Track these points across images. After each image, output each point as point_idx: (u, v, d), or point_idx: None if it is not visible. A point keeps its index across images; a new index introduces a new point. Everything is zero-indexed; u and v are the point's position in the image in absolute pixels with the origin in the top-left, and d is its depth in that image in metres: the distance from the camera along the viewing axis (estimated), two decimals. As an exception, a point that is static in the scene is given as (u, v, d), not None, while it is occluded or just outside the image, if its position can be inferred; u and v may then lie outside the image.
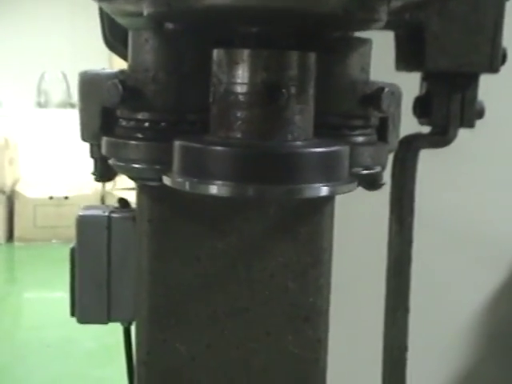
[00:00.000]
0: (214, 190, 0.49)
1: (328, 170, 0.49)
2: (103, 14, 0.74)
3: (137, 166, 0.57)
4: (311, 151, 0.48)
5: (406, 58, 0.74)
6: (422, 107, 0.73)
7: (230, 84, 0.49)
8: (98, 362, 3.07)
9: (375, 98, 0.55)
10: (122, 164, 0.58)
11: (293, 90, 0.49)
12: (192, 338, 0.68)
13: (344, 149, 0.51)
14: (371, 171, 0.58)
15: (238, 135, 0.50)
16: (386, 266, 0.76)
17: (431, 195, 1.48)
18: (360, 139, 0.58)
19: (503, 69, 0.73)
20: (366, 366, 0.96)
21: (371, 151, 0.57)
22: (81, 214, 0.74)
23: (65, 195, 5.17)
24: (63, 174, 5.37)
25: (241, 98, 0.49)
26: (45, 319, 3.64)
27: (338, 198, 0.70)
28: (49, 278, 4.18)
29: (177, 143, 0.51)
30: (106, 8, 0.60)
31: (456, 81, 0.71)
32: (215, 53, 0.51)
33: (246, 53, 0.49)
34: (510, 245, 1.61)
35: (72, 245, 0.74)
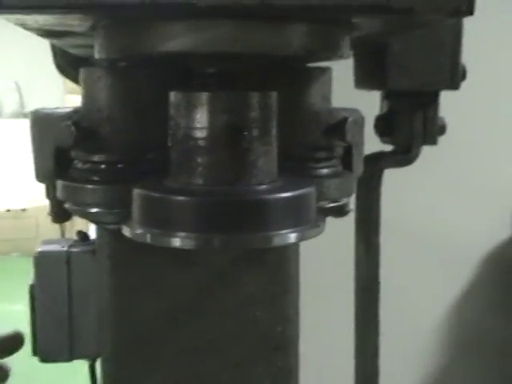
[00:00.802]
0: (176, 242, 0.47)
1: (296, 214, 0.47)
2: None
3: (94, 210, 0.54)
4: (278, 197, 0.46)
5: (367, 77, 0.73)
6: (383, 126, 0.73)
7: (190, 128, 0.47)
8: (65, 378, 3.02)
9: (339, 128, 0.54)
10: (78, 208, 0.55)
11: (255, 131, 0.47)
12: (160, 374, 0.66)
13: (311, 190, 0.49)
14: (338, 203, 0.56)
15: (200, 181, 0.47)
16: (354, 287, 0.75)
17: (394, 199, 1.48)
18: (325, 171, 0.56)
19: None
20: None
21: (337, 183, 0.56)
22: (39, 250, 0.71)
23: (23, 207, 5.09)
24: (20, 185, 5.28)
25: (201, 142, 0.47)
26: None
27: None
28: (9, 291, 4.11)
29: (135, 191, 0.49)
30: (58, 43, 0.58)
31: (417, 99, 0.71)
32: (172, 95, 0.49)
33: (204, 96, 0.47)
34: (473, 248, 1.62)
35: (30, 281, 0.72)
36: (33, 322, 0.72)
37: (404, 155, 0.72)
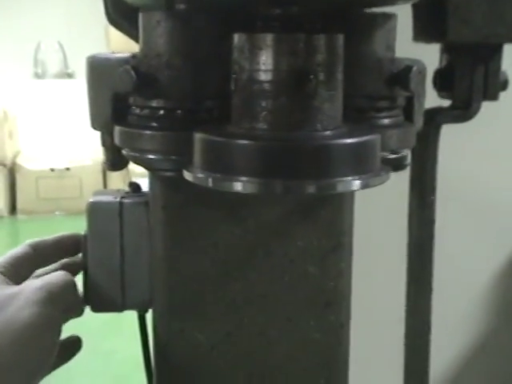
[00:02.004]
0: (238, 186, 0.46)
1: (360, 161, 0.46)
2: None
3: (152, 156, 0.54)
4: (343, 142, 0.45)
5: (426, 29, 0.70)
6: (442, 80, 0.71)
7: (254, 71, 0.46)
8: (107, 334, 3.08)
9: (403, 77, 0.52)
10: (136, 154, 0.55)
11: (321, 75, 0.46)
12: (211, 327, 0.66)
13: (376, 137, 0.48)
14: (399, 155, 0.55)
15: (264, 126, 0.46)
16: (406, 247, 0.74)
17: (447, 164, 1.45)
18: (387, 121, 0.54)
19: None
20: (388, 350, 0.94)
21: (399, 133, 0.54)
22: (92, 200, 0.71)
23: (66, 166, 5.15)
24: (64, 145, 5.35)
25: (265, 86, 0.46)
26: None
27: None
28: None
29: (197, 136, 0.48)
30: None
31: (479, 52, 0.68)
32: (236, 37, 0.48)
33: (269, 37, 0.46)
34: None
35: (83, 232, 0.72)
36: (85, 271, 0.72)
37: (463, 110, 0.70)
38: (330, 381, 0.69)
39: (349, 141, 0.46)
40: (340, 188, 0.46)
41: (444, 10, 0.66)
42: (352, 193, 0.65)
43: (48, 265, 0.74)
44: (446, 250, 1.53)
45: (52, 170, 5.18)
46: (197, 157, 0.48)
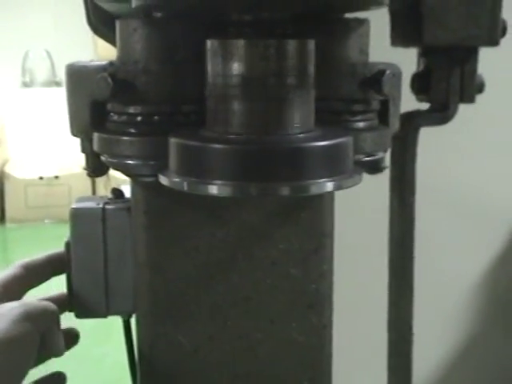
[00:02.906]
0: (213, 190, 0.47)
1: (333, 163, 0.47)
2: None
3: (131, 162, 0.54)
4: (315, 145, 0.46)
5: (403, 33, 0.71)
6: (420, 83, 0.72)
7: (226, 76, 0.47)
8: (98, 339, 3.08)
9: (376, 81, 0.53)
10: (114, 160, 0.55)
11: (293, 79, 0.46)
12: (194, 330, 0.66)
13: (349, 139, 0.48)
14: (374, 157, 0.56)
15: (237, 130, 0.47)
16: (388, 247, 0.75)
17: (430, 162, 1.47)
18: (362, 124, 0.55)
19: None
20: (372, 350, 0.95)
21: (374, 136, 0.55)
22: (74, 206, 0.72)
23: (55, 175, 5.14)
24: (52, 153, 5.33)
25: (238, 90, 0.47)
26: (40, 298, 3.63)
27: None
28: (43, 258, 4.17)
29: (172, 140, 0.49)
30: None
31: (455, 55, 0.69)
32: (209, 43, 0.49)
33: (241, 43, 0.47)
34: (508, 211, 1.60)
35: (66, 238, 0.73)
36: (69, 278, 0.73)
37: (440, 113, 0.71)
38: (313, 382, 0.70)
39: (321, 143, 0.47)
40: (313, 190, 0.46)
41: (420, 14, 0.67)
42: (332, 195, 0.66)
43: (41, 283, 0.75)
44: (432, 250, 1.55)
45: (41, 178, 5.17)
46: (172, 161, 0.49)
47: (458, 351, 1.65)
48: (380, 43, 0.73)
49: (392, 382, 0.77)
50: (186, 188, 0.48)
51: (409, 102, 0.72)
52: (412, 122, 0.70)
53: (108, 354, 3.00)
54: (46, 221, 5.08)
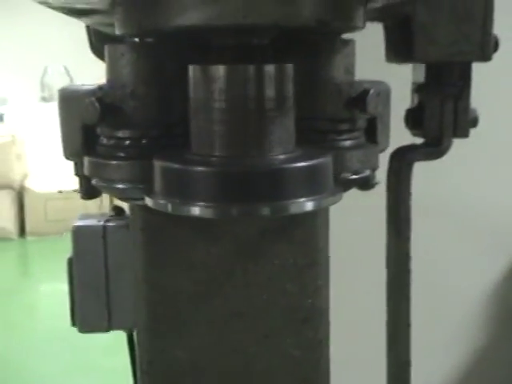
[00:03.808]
0: (196, 211, 0.48)
1: (312, 183, 0.48)
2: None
3: (120, 186, 0.56)
4: (294, 166, 0.47)
5: (396, 49, 0.72)
6: (414, 119, 0.72)
7: (208, 100, 0.48)
8: (109, 352, 3.09)
9: (361, 100, 0.54)
10: (104, 184, 0.56)
11: (272, 104, 0.48)
12: (192, 344, 0.67)
13: (327, 160, 0.49)
14: (361, 175, 0.57)
15: (218, 153, 0.49)
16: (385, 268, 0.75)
17: (435, 183, 1.47)
18: (348, 143, 0.56)
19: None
20: (370, 364, 0.95)
21: (360, 155, 0.56)
22: (76, 224, 0.73)
23: (74, 188, 5.17)
24: (71, 167, 5.37)
25: (219, 114, 0.48)
26: (58, 311, 3.66)
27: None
28: (62, 271, 4.20)
29: (156, 163, 0.50)
30: (85, 22, 0.59)
31: (447, 90, 0.70)
32: (190, 69, 0.50)
33: (221, 69, 0.48)
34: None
35: (69, 255, 0.74)
36: (71, 294, 0.74)
37: (434, 148, 0.71)
38: (310, 396, 0.70)
39: (300, 164, 0.48)
40: (293, 209, 0.47)
41: (411, 31, 0.68)
42: (326, 211, 0.67)
43: None
44: (442, 263, 1.55)
45: (60, 191, 5.21)
46: (157, 183, 0.50)
47: (468, 363, 1.64)
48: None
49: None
50: (170, 210, 0.49)
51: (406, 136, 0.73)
52: (406, 157, 0.71)
53: (118, 366, 3.02)
54: (64, 234, 5.11)
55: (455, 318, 1.62)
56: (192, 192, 0.48)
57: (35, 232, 5.24)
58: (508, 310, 1.65)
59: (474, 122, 0.70)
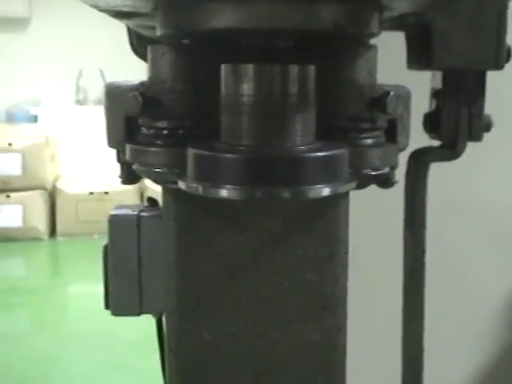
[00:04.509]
0: (224, 193, 0.53)
1: (329, 171, 0.53)
2: (129, 24, 0.78)
3: (157, 170, 0.62)
4: (313, 156, 0.52)
5: (416, 57, 0.77)
6: (431, 123, 0.77)
7: (237, 96, 0.54)
8: (140, 352, 3.14)
9: (381, 101, 0.59)
10: (144, 169, 0.63)
11: (295, 99, 0.53)
12: (217, 327, 0.72)
13: (343, 152, 0.55)
14: (380, 172, 0.62)
15: (245, 142, 0.54)
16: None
17: (457, 185, 1.51)
18: (368, 141, 0.61)
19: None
20: (385, 354, 0.99)
21: (379, 153, 0.61)
22: (112, 213, 0.79)
23: (105, 190, 5.26)
24: (102, 169, 5.46)
25: (247, 108, 0.53)
26: (88, 311, 3.74)
27: (358, 197, 0.74)
28: (92, 272, 4.26)
29: (190, 151, 0.56)
30: (128, 24, 0.65)
31: (463, 97, 0.74)
32: (223, 68, 0.56)
33: (250, 67, 0.54)
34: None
35: (104, 242, 0.79)
36: (105, 279, 0.79)
37: (450, 150, 0.76)
38: (328, 380, 0.75)
39: (318, 154, 0.53)
40: (311, 194, 0.52)
41: (430, 39, 0.73)
42: (346, 205, 0.72)
43: None
44: (461, 266, 1.58)
45: (91, 193, 5.30)
46: (190, 169, 0.56)
47: (488, 366, 1.66)
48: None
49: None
50: (200, 192, 0.55)
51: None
52: (422, 158, 0.76)
53: (149, 367, 3.06)
54: (95, 235, 5.19)
55: (476, 319, 1.64)
56: (221, 176, 0.53)
57: (66, 233, 5.32)
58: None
59: (487, 127, 0.75)
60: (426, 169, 0.76)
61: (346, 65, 0.60)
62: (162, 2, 0.52)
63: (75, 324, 3.72)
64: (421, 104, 0.78)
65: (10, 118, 6.04)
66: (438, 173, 1.46)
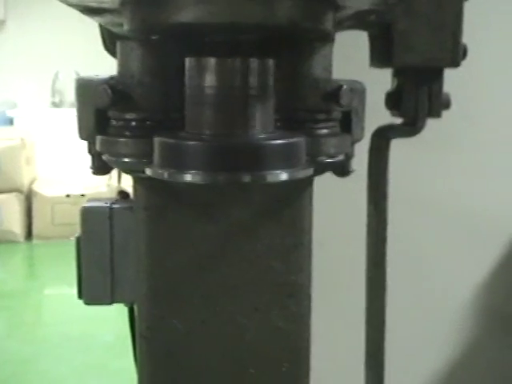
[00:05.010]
0: (188, 177, 0.56)
1: (286, 158, 0.56)
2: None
3: (126, 160, 0.65)
4: (271, 143, 0.56)
5: (378, 56, 0.80)
6: (392, 101, 0.80)
7: (200, 87, 0.57)
8: (116, 354, 3.16)
9: (335, 94, 0.62)
10: (114, 159, 0.65)
11: (255, 91, 0.56)
12: (187, 314, 0.75)
13: (300, 140, 0.58)
14: (335, 159, 0.65)
15: (208, 131, 0.58)
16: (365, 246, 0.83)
17: (426, 182, 1.55)
18: (323, 131, 0.65)
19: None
20: (349, 339, 1.03)
21: (334, 142, 0.65)
22: (85, 205, 0.81)
23: (81, 193, 5.26)
24: (79, 172, 5.46)
25: (209, 99, 0.57)
26: (65, 314, 3.75)
27: (322, 187, 0.77)
28: (68, 274, 4.27)
29: (156, 139, 0.59)
30: (98, 20, 0.68)
31: (422, 76, 0.78)
32: (187, 61, 0.60)
33: (212, 61, 0.57)
34: (504, 225, 1.67)
35: (77, 234, 0.82)
36: (78, 269, 0.82)
37: (410, 127, 0.79)
38: (293, 364, 0.78)
39: (277, 142, 0.56)
40: (269, 178, 0.56)
41: (391, 38, 0.76)
42: (310, 197, 0.75)
43: None
44: (430, 263, 1.62)
45: (68, 196, 5.29)
46: (156, 156, 0.59)
47: (454, 363, 1.70)
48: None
49: (368, 374, 0.85)
50: (166, 177, 0.58)
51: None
52: (383, 134, 0.79)
53: (125, 368, 3.08)
54: (71, 238, 5.17)
55: (443, 316, 1.68)
56: (185, 162, 0.56)
57: (42, 235, 5.31)
58: (495, 309, 1.71)
59: (446, 105, 0.79)
60: (387, 144, 0.80)
61: (303, 60, 0.64)
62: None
63: (51, 327, 3.72)
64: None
65: (-14, 120, 6.02)
66: (408, 171, 1.50)
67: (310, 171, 0.59)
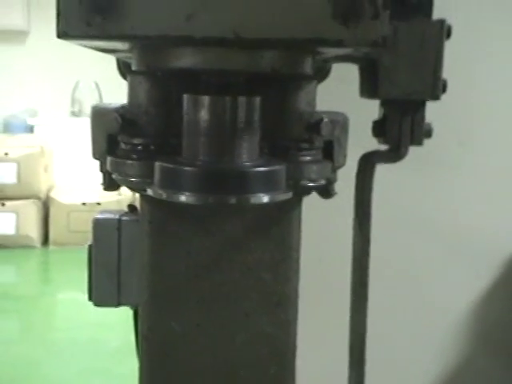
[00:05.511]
0: (183, 198, 0.65)
1: (268, 183, 0.65)
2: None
3: (132, 179, 0.73)
4: (255, 170, 0.65)
5: (366, 87, 0.88)
6: (378, 128, 0.88)
7: (196, 120, 0.66)
8: (121, 359, 3.23)
9: (317, 126, 0.71)
10: (122, 178, 0.74)
11: (242, 124, 0.65)
12: (184, 318, 0.82)
13: (281, 167, 0.67)
14: (316, 183, 0.74)
15: (201, 158, 0.66)
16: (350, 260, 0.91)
17: (421, 200, 1.62)
18: (306, 158, 0.73)
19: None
20: (333, 346, 1.09)
21: (315, 168, 0.73)
22: (96, 217, 0.89)
23: (97, 201, 5.34)
24: (95, 180, 5.53)
25: (203, 130, 0.66)
26: (75, 319, 3.83)
27: (311, 207, 0.85)
28: (80, 280, 4.33)
29: (156, 164, 0.68)
30: (113, 55, 0.77)
31: (406, 107, 0.86)
32: (184, 97, 0.69)
33: (206, 99, 0.66)
34: (500, 245, 1.72)
35: (89, 242, 0.90)
36: (89, 274, 0.90)
37: (394, 153, 0.87)
38: (280, 367, 0.85)
39: (260, 169, 0.65)
40: (253, 200, 0.64)
41: (377, 72, 0.84)
42: (299, 215, 0.83)
43: None
44: (422, 285, 1.67)
45: (84, 204, 5.38)
46: (156, 178, 0.68)
47: (448, 377, 1.75)
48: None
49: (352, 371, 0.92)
50: (164, 197, 0.66)
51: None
52: (370, 159, 0.87)
53: (129, 372, 3.13)
54: (86, 245, 5.26)
55: (435, 334, 1.74)
56: (181, 185, 0.65)
57: (57, 242, 5.39)
58: (486, 328, 1.76)
59: (428, 133, 0.86)
60: (372, 169, 0.88)
61: (288, 96, 0.73)
62: (135, 45, 0.64)
63: (61, 331, 3.80)
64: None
65: (7, 128, 6.13)
66: (410, 193, 1.57)
67: (289, 194, 0.67)
